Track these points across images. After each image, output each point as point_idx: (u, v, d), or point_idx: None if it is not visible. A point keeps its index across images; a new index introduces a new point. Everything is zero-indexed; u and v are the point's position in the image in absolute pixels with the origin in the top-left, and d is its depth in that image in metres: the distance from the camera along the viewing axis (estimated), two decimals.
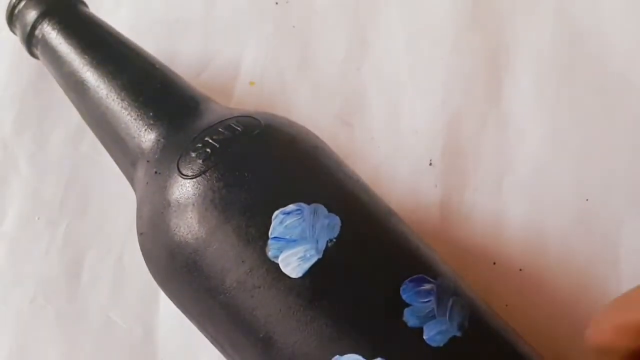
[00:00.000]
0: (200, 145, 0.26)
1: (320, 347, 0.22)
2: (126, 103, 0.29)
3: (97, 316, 0.33)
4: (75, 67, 0.31)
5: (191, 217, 0.25)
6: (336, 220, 0.24)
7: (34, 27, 0.32)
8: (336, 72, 0.37)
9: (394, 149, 0.35)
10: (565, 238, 0.32)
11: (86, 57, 0.31)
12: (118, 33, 0.32)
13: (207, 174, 0.25)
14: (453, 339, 0.23)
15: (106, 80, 0.30)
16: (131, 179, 0.30)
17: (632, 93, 0.34)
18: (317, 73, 0.37)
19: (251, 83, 0.37)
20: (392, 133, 0.35)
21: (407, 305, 0.23)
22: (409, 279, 0.23)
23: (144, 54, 0.32)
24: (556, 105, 0.34)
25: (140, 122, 0.29)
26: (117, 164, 0.31)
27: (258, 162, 0.25)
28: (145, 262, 0.28)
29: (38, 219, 0.35)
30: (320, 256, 0.23)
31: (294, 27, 0.38)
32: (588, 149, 0.33)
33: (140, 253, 0.30)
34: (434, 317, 0.23)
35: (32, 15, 0.32)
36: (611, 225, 0.32)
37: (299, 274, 0.23)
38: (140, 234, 0.27)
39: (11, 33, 0.35)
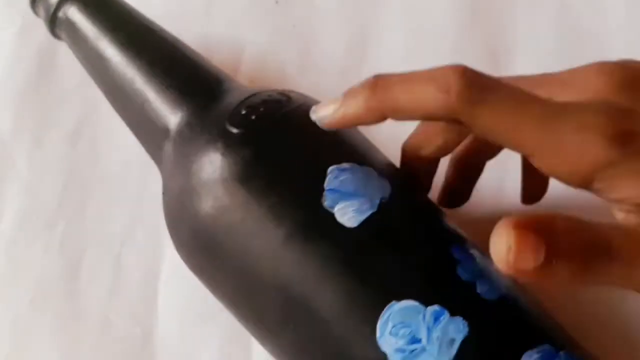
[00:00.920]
0: (248, 109, 0.27)
1: (375, 294, 0.23)
2: (154, 81, 0.29)
3: (96, 316, 0.33)
4: (100, 47, 0.31)
5: (250, 173, 0.25)
6: (387, 183, 0.25)
7: (57, 8, 0.32)
8: (336, 72, 0.37)
9: (395, 148, 0.35)
10: None
11: (110, 37, 0.30)
12: (140, 13, 0.32)
13: (264, 132, 0.26)
14: (504, 296, 0.23)
15: (131, 60, 0.30)
16: (163, 151, 0.29)
17: None
18: (317, 73, 0.37)
19: (251, 82, 0.37)
20: (392, 133, 0.35)
21: (458, 261, 0.24)
22: (454, 246, 0.24)
23: (166, 34, 0.31)
24: None
25: (170, 97, 0.29)
26: (143, 143, 0.31)
27: (311, 124, 0.25)
28: (181, 244, 0.28)
29: (37, 218, 0.35)
30: (374, 210, 0.24)
31: (294, 26, 0.38)
32: None
33: (139, 253, 0.30)
34: (482, 276, 0.24)
35: None
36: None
37: (355, 224, 0.24)
38: (192, 199, 0.27)
39: (10, 33, 0.35)
